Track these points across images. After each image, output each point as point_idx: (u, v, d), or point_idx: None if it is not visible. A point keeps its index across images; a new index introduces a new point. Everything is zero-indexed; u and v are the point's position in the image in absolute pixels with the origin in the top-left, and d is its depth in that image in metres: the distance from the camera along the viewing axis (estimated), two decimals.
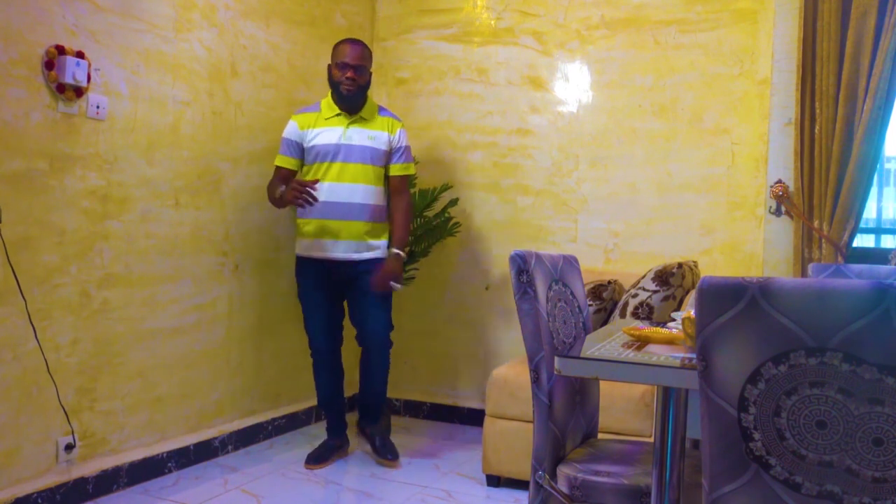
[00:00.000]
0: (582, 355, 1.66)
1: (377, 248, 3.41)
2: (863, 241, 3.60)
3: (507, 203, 4.08)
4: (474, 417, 4.05)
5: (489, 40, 4.14)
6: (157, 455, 3.14)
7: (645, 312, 3.18)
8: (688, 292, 3.25)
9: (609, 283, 3.47)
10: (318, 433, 3.74)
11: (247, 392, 3.64)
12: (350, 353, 3.70)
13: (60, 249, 2.74)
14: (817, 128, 3.33)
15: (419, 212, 3.92)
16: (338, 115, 3.37)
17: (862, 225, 3.39)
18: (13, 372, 2.60)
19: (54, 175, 2.70)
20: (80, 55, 2.74)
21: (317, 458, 3.40)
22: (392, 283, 3.34)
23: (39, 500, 2.67)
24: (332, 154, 3.33)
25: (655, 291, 3.21)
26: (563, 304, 2.17)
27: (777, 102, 3.51)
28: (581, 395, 2.21)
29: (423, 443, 3.79)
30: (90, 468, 2.87)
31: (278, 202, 3.34)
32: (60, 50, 2.67)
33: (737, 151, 3.63)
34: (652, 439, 2.31)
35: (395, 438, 3.63)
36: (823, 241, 3.33)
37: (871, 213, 3.57)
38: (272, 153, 3.49)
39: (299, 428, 3.93)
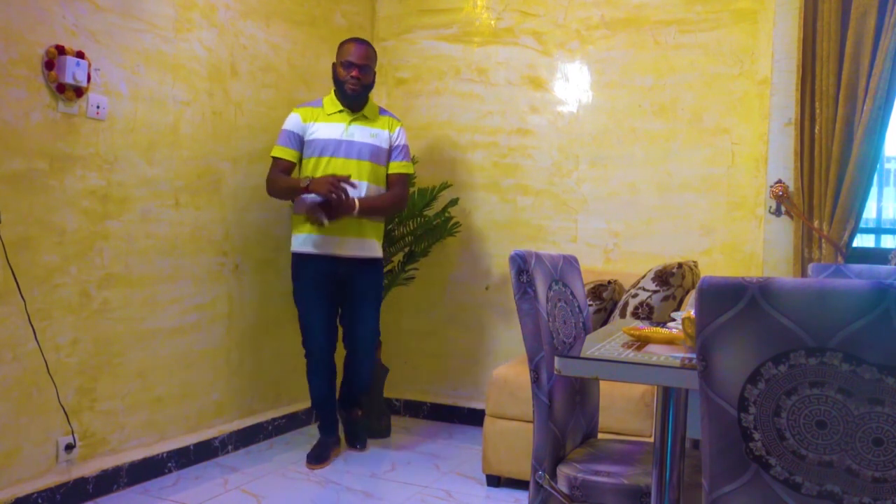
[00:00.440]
0: (582, 355, 1.66)
1: (373, 247, 3.42)
2: (863, 241, 3.60)
3: (507, 203, 4.08)
4: (474, 417, 4.05)
5: (489, 40, 4.14)
6: (157, 455, 3.14)
7: (645, 312, 3.18)
8: (688, 292, 3.25)
9: (609, 283, 3.47)
10: (317, 433, 3.73)
11: (247, 392, 3.64)
12: (341, 353, 3.69)
13: (60, 249, 2.74)
14: (817, 128, 3.32)
15: (419, 211, 3.92)
16: (340, 111, 3.37)
17: (862, 225, 3.39)
18: (13, 372, 2.60)
19: (54, 175, 2.70)
20: (80, 55, 2.74)
21: (317, 458, 3.40)
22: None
23: (39, 500, 2.67)
24: (332, 149, 3.32)
25: (655, 291, 3.21)
26: (563, 304, 2.17)
27: (777, 102, 3.51)
28: (581, 395, 2.21)
29: (423, 443, 3.79)
30: (90, 468, 2.87)
31: (284, 193, 3.32)
32: (60, 50, 2.67)
33: (737, 151, 3.63)
34: (652, 439, 2.31)
35: (396, 438, 3.64)
36: (823, 241, 3.33)
37: (871, 213, 3.57)
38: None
39: (299, 428, 3.93)
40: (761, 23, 3.57)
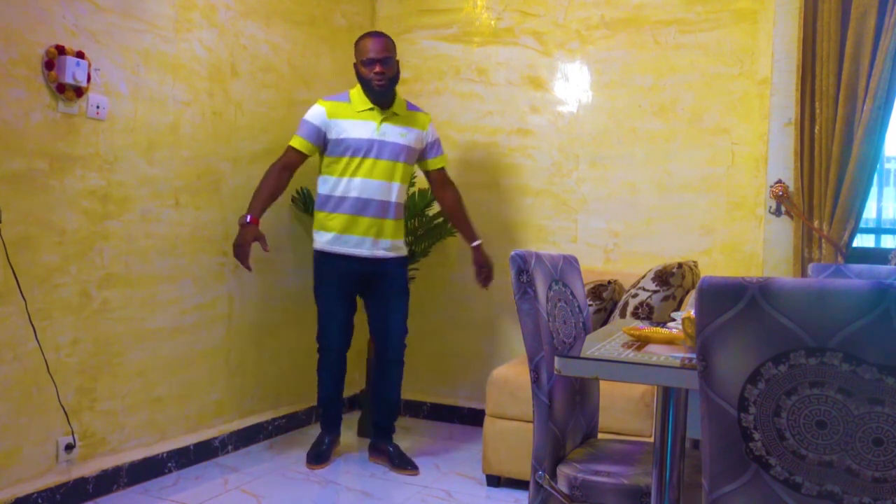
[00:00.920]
0: (582, 355, 1.66)
1: (401, 247, 3.44)
2: (863, 241, 3.60)
3: (507, 203, 4.08)
4: (474, 417, 4.05)
5: (489, 40, 4.14)
6: (157, 455, 3.14)
7: (645, 312, 3.18)
8: (688, 292, 3.25)
9: (609, 283, 3.47)
10: (317, 433, 3.73)
11: (247, 392, 3.64)
12: (351, 351, 3.67)
13: (60, 249, 2.74)
14: (817, 128, 3.32)
15: (419, 210, 3.92)
16: (370, 109, 3.34)
17: (862, 225, 3.39)
18: (13, 372, 2.60)
19: (54, 175, 2.70)
20: (80, 55, 2.73)
21: (317, 458, 3.40)
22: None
23: (39, 500, 2.67)
24: (364, 149, 3.30)
25: (655, 291, 3.21)
26: (563, 304, 2.17)
27: (777, 102, 3.51)
28: (581, 395, 2.21)
29: (423, 443, 3.79)
30: (90, 468, 2.87)
31: (263, 193, 3.28)
32: (60, 50, 2.67)
33: (737, 151, 3.63)
34: (652, 439, 2.31)
35: (396, 438, 3.63)
36: (823, 241, 3.33)
37: (871, 213, 3.57)
38: (272, 153, 3.49)
39: (299, 428, 3.93)
40: (761, 23, 3.57)
